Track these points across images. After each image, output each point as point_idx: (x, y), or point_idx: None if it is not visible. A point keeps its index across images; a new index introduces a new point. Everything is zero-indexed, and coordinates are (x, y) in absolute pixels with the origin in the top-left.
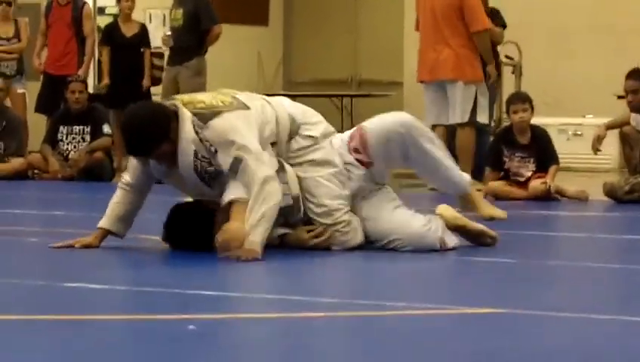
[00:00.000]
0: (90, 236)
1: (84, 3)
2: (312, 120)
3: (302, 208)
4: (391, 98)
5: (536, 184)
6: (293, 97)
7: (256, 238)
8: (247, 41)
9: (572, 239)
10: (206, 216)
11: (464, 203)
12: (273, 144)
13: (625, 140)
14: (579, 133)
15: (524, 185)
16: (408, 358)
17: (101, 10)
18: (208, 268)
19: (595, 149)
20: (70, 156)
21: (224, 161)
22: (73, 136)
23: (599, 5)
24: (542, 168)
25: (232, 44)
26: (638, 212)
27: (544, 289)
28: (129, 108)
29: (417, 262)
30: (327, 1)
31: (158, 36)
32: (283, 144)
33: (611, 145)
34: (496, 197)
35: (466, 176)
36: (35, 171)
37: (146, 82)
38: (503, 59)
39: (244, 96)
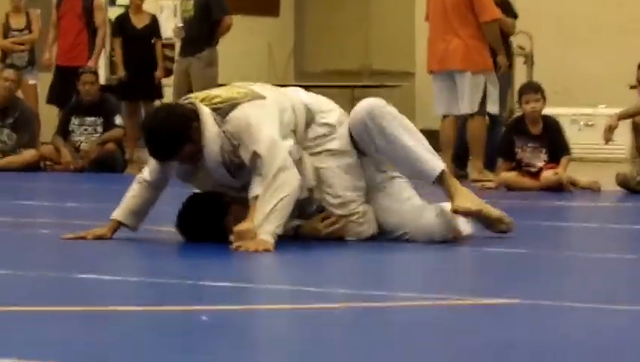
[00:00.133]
0: (103, 228)
1: None
2: (327, 107)
3: (317, 200)
4: (403, 88)
5: (548, 174)
6: (304, 88)
7: (267, 229)
8: (257, 31)
9: (584, 229)
10: (220, 206)
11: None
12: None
13: (637, 130)
14: (591, 123)
15: (536, 175)
16: (421, 349)
17: (112, 2)
18: (222, 259)
19: (607, 139)
20: (82, 147)
21: (244, 155)
22: (85, 127)
23: None
24: (554, 158)
25: (242, 35)
26: None
27: (556, 280)
28: (148, 115)
29: (430, 253)
30: None
31: (169, 27)
32: (300, 133)
33: (624, 135)
34: (509, 188)
35: (438, 164)
36: (47, 163)
37: (159, 74)
38: (515, 49)
39: (258, 87)
